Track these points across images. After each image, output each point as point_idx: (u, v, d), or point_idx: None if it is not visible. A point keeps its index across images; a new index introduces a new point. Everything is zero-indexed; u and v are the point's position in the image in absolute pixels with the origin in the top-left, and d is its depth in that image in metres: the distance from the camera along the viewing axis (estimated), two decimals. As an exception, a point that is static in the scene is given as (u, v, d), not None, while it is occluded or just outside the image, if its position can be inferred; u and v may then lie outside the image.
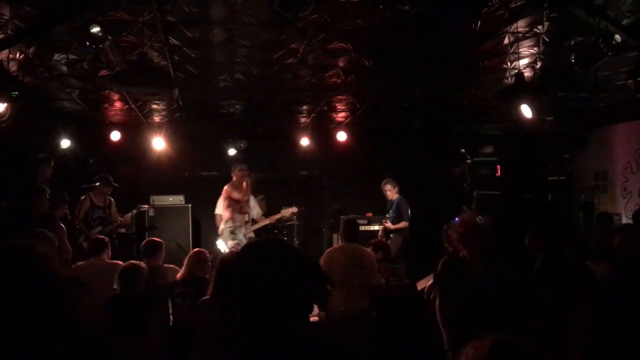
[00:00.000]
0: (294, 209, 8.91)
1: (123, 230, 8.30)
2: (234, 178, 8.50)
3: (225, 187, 8.46)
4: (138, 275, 4.72)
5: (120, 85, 5.42)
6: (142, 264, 4.95)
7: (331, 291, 1.67)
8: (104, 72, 6.05)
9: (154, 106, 8.39)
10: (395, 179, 8.89)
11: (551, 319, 4.50)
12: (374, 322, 5.64)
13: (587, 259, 5.37)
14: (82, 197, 7.75)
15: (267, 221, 8.89)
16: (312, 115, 9.19)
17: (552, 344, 3.87)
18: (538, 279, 5.19)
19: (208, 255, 5.57)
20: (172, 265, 5.77)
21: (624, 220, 8.90)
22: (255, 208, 8.91)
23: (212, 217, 8.99)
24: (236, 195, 8.37)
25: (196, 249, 5.75)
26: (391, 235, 8.58)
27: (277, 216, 8.91)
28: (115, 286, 4.68)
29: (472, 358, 1.43)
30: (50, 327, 1.37)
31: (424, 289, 6.30)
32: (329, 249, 6.01)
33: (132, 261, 5.05)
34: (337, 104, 8.61)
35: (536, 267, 5.37)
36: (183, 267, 5.37)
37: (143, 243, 5.95)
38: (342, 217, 9.51)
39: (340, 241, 5.72)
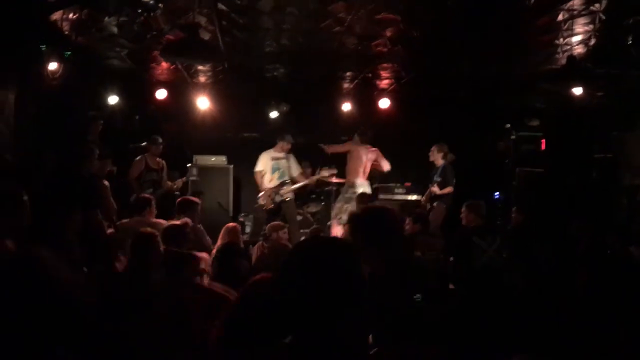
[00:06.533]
0: (334, 170, 8.89)
1: (177, 192, 8.34)
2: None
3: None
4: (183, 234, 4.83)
5: (170, 56, 5.50)
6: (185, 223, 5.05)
7: None
8: (153, 35, 6.14)
9: (200, 67, 8.48)
10: (443, 145, 8.73)
11: (589, 304, 4.49)
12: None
13: (630, 244, 5.32)
14: (138, 158, 7.95)
15: (306, 181, 8.95)
16: (356, 81, 9.14)
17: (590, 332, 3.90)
18: (579, 264, 5.18)
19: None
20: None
21: (670, 203, 8.67)
22: (293, 167, 9.01)
23: (253, 179, 9.11)
24: None
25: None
26: (434, 204, 8.54)
27: (316, 177, 8.93)
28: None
29: None
30: (54, 330, 1.43)
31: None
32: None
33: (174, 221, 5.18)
34: (381, 72, 8.53)
35: (579, 252, 5.35)
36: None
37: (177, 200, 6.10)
38: (379, 185, 9.53)
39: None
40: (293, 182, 8.92)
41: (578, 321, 3.90)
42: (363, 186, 8.42)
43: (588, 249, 5.26)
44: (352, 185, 8.42)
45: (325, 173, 8.78)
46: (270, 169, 8.82)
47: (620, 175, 9.63)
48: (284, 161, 8.86)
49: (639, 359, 3.88)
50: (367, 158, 8.58)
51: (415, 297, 2.86)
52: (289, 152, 8.91)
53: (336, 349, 1.54)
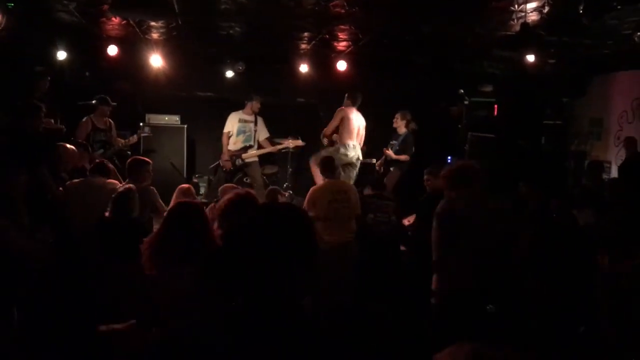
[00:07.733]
0: (299, 142, 8.87)
1: (129, 152, 8.12)
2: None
3: None
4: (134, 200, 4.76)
5: (120, 11, 5.30)
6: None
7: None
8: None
9: (152, 23, 8.21)
10: (407, 112, 8.76)
11: (532, 266, 4.65)
12: (357, 254, 5.78)
13: (573, 208, 5.51)
14: (84, 119, 7.68)
15: (270, 149, 8.87)
16: (313, 42, 9.04)
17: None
18: (524, 226, 5.34)
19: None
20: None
21: (614, 168, 9.03)
22: (261, 131, 8.89)
23: (207, 139, 8.98)
24: None
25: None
26: (391, 169, 8.64)
27: (281, 146, 8.87)
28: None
29: None
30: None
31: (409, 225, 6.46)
32: (313, 188, 6.04)
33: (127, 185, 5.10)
34: (339, 33, 8.45)
35: (525, 214, 5.51)
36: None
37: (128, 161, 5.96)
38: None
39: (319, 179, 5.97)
40: (259, 146, 8.84)
41: (522, 285, 4.06)
42: (356, 149, 8.28)
43: (534, 212, 5.44)
44: (346, 147, 8.19)
45: (290, 144, 8.72)
46: (237, 131, 8.73)
47: (569, 141, 9.96)
48: (251, 124, 8.78)
49: (576, 316, 4.09)
50: (358, 123, 8.38)
51: (488, 307, 2.93)
52: (258, 113, 8.80)
53: (282, 313, 1.57)
